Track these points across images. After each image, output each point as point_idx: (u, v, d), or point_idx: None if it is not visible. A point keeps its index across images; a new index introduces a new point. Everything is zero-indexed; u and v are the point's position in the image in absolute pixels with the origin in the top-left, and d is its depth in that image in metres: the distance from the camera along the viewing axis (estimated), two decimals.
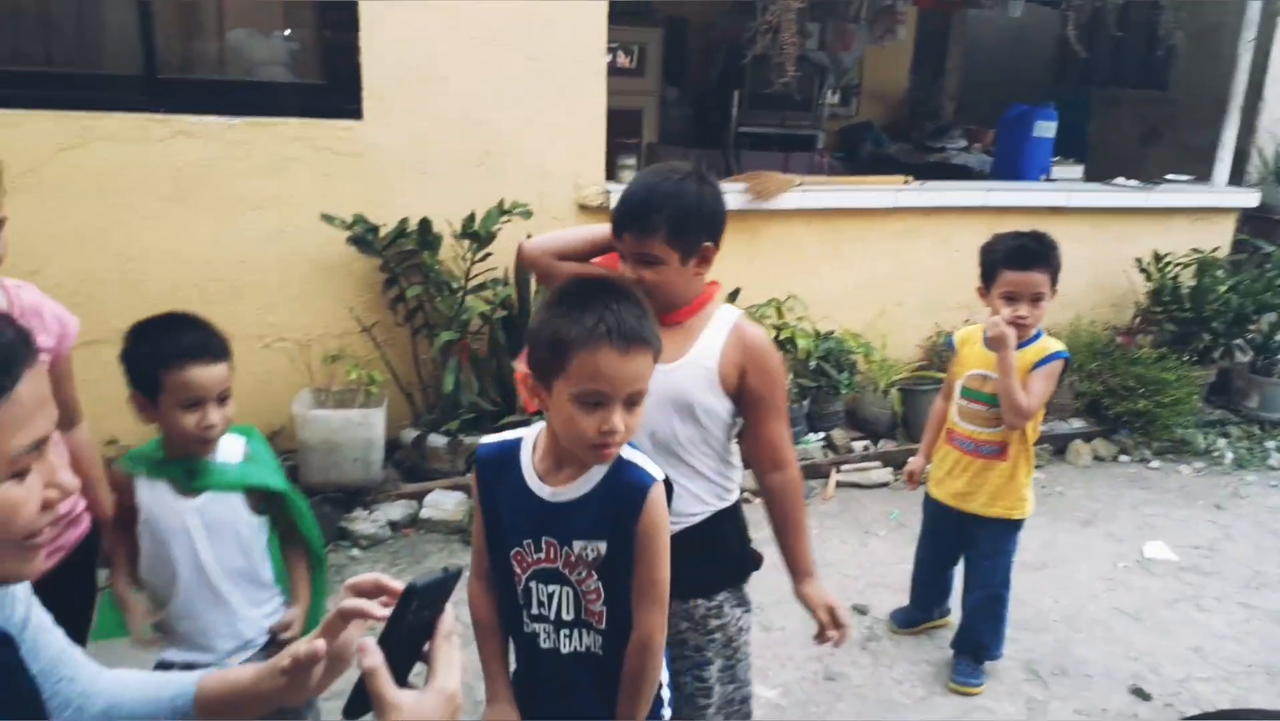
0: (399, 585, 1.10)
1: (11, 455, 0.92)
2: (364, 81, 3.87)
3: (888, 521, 4.21)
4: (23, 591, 1.17)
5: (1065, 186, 5.73)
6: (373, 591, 1.13)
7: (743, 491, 2.20)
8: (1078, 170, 6.47)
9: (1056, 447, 5.04)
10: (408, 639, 1.10)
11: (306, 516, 2.08)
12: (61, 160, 3.52)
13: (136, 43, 3.66)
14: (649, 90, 7.38)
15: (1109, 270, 5.62)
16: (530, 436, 1.66)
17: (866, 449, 4.71)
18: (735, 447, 2.10)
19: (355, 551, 3.64)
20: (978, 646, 3.07)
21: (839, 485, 4.50)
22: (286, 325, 3.94)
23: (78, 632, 2.15)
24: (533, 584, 1.64)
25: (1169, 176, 5.97)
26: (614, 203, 4.36)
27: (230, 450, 1.98)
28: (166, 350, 1.83)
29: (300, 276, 3.94)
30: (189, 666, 1.88)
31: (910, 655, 3.22)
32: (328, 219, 3.80)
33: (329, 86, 3.96)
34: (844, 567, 3.79)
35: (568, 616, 1.65)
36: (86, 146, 3.55)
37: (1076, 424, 5.19)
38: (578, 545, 1.58)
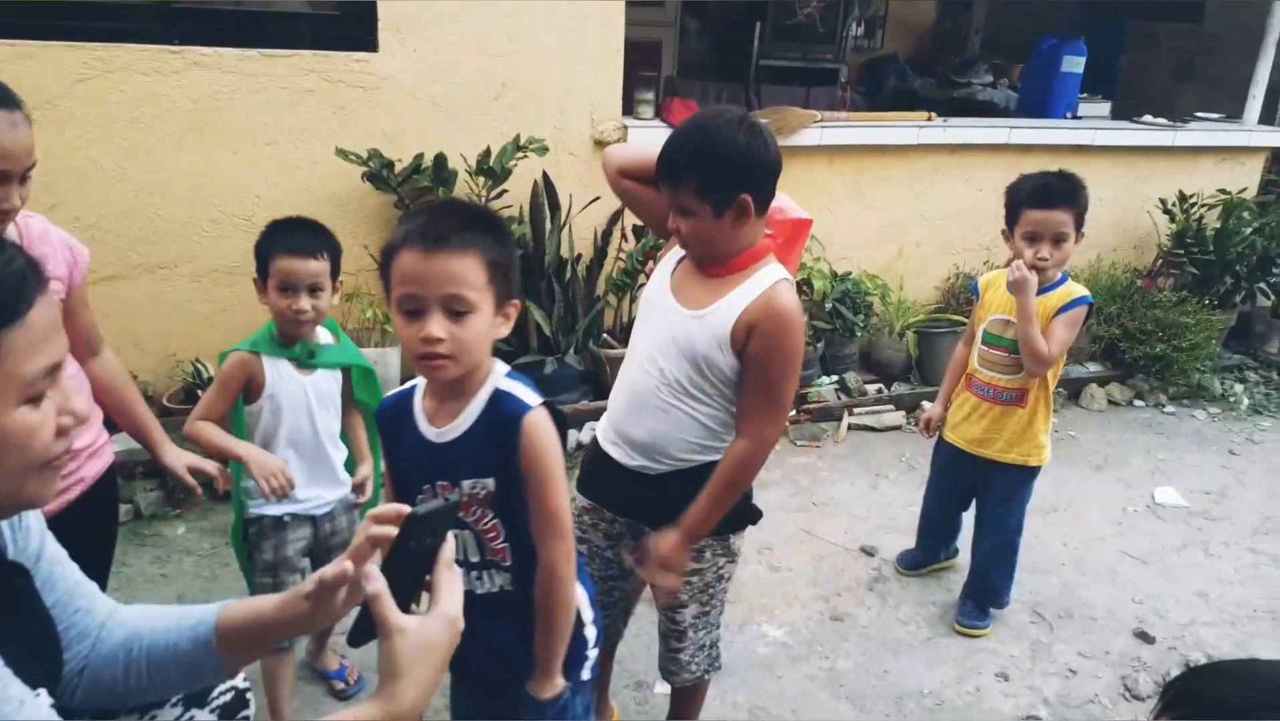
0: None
1: (27, 379, 0.94)
2: (379, 13, 3.81)
3: (899, 464, 4.24)
4: (36, 524, 1.20)
5: (1091, 124, 5.62)
6: (395, 520, 1.16)
7: None
8: (1105, 107, 6.33)
9: (1071, 391, 5.03)
10: (411, 567, 1.13)
11: (378, 386, 2.45)
12: (78, 91, 3.50)
13: None
14: (669, 20, 7.24)
15: (1132, 211, 5.54)
16: (422, 383, 1.64)
17: (880, 392, 4.72)
18: None
19: None
20: (988, 591, 3.10)
21: (851, 428, 4.52)
22: None
23: (100, 564, 2.22)
24: None
25: (1198, 114, 5.84)
26: (631, 138, 4.34)
27: (324, 338, 2.36)
28: (274, 242, 2.19)
29: (315, 211, 3.88)
30: (303, 514, 2.32)
31: (916, 596, 3.27)
32: (342, 154, 3.78)
33: (344, 18, 3.90)
34: (854, 509, 3.82)
35: (474, 559, 1.64)
36: (103, 78, 3.52)
37: (1093, 368, 5.17)
38: (466, 484, 1.57)
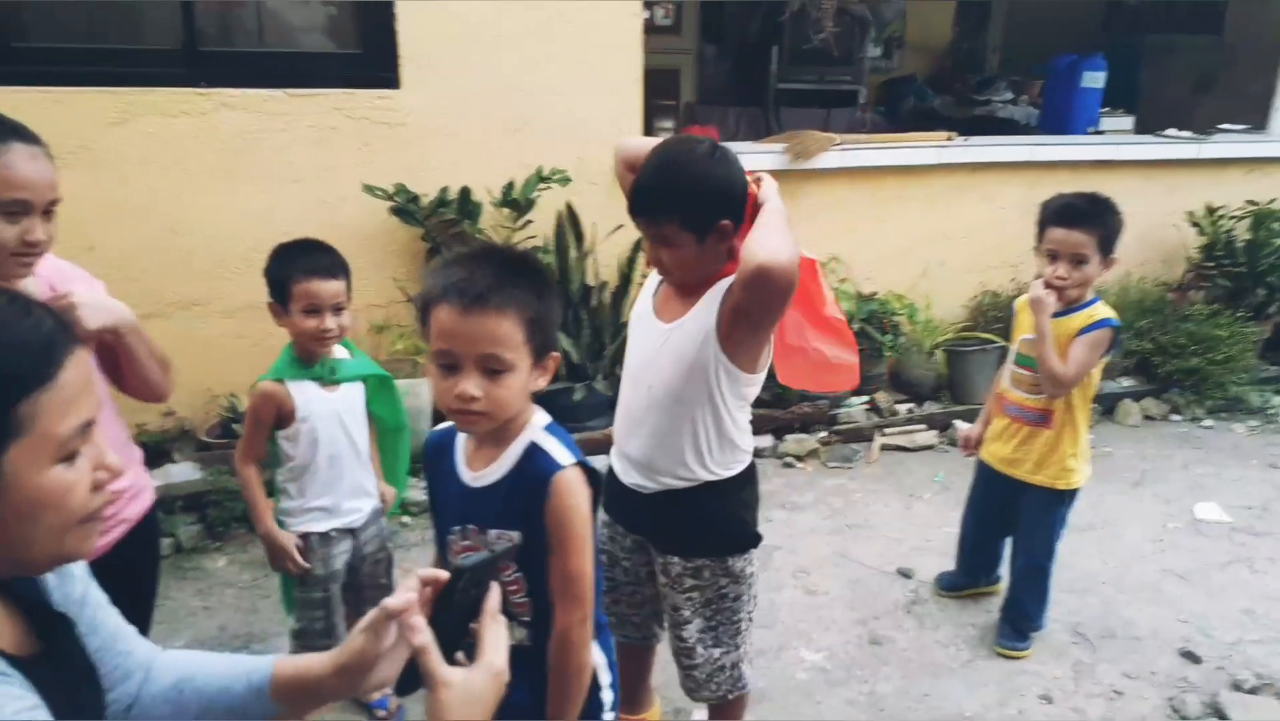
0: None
1: (60, 439, 0.94)
2: (400, 49, 3.87)
3: (933, 484, 4.20)
4: (80, 570, 1.21)
5: (1114, 139, 5.60)
6: (439, 584, 1.16)
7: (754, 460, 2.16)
8: (1127, 121, 6.31)
9: (1105, 407, 4.97)
10: (456, 617, 1.12)
11: (396, 395, 2.56)
12: (110, 135, 3.57)
13: (177, 15, 3.69)
14: (687, 48, 7.31)
15: (1159, 225, 5.49)
16: None
17: (911, 411, 4.69)
18: (743, 423, 2.06)
19: (406, 518, 3.70)
20: (1021, 616, 3.06)
21: (883, 448, 4.48)
22: None
23: (144, 602, 2.24)
24: None
25: (1222, 126, 5.80)
26: None
27: (341, 354, 2.43)
28: (294, 266, 2.24)
29: (343, 247, 3.85)
30: (345, 527, 2.43)
31: (955, 618, 3.23)
32: (369, 189, 3.82)
33: (366, 55, 3.96)
34: (888, 530, 3.79)
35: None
36: (134, 121, 3.59)
37: (1126, 383, 5.11)
38: (492, 534, 1.55)
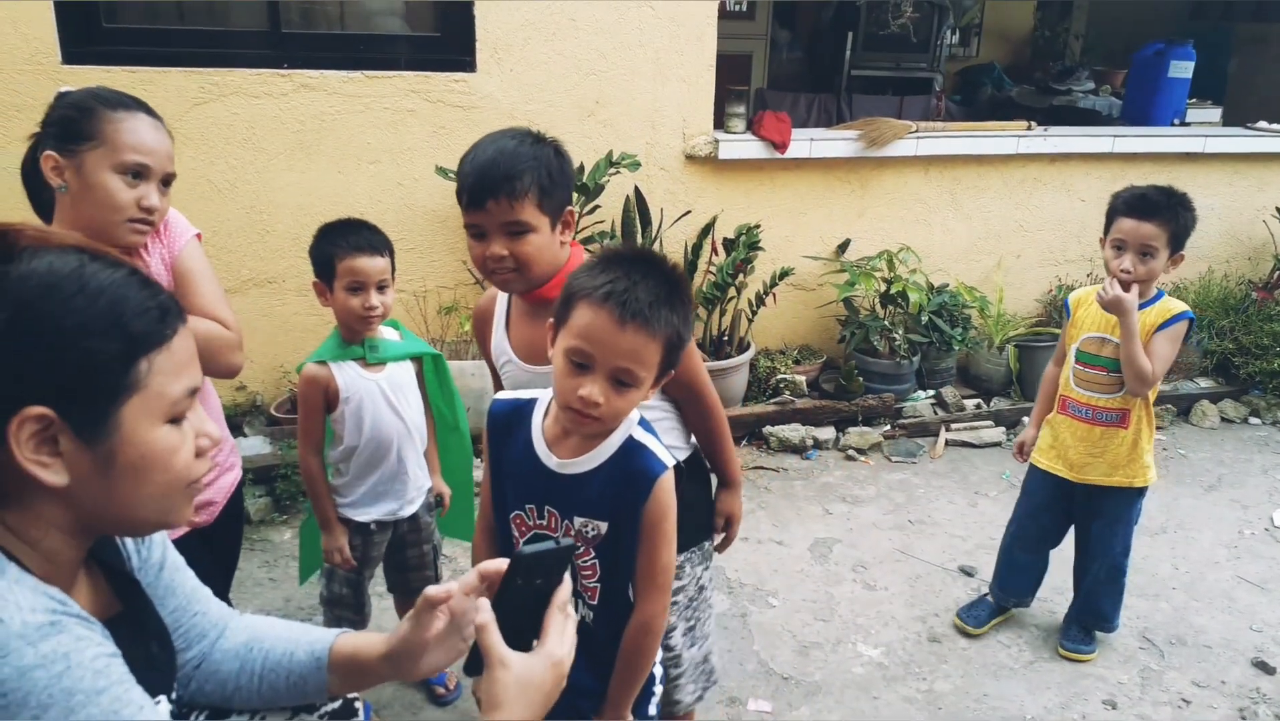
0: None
1: (171, 398, 1.01)
2: (477, 33, 3.90)
3: (999, 481, 4.13)
4: (159, 536, 1.27)
5: (1201, 131, 5.40)
6: (497, 576, 1.18)
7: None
8: (1215, 113, 6.10)
9: (1181, 408, 4.84)
10: (523, 606, 1.13)
11: (449, 375, 2.55)
12: (194, 115, 3.67)
13: None
14: (759, 34, 7.23)
15: (1246, 221, 5.31)
16: (544, 399, 1.60)
17: (979, 407, 4.60)
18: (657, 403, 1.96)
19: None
20: (1095, 615, 2.99)
21: (949, 444, 4.42)
22: (403, 276, 4.01)
23: (227, 570, 2.36)
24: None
25: None
26: (722, 153, 4.34)
27: (389, 335, 2.44)
28: (339, 244, 2.25)
29: (416, 228, 4.04)
30: (389, 519, 2.45)
31: (1018, 618, 3.18)
32: (442, 172, 3.87)
33: (443, 39, 4.01)
34: (952, 528, 3.74)
35: None
36: (217, 101, 3.69)
37: (1204, 384, 4.96)
38: (579, 521, 1.56)
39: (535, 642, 1.16)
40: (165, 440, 1.02)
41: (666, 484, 1.53)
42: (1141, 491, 2.87)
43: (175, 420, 1.03)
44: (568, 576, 1.14)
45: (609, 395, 1.42)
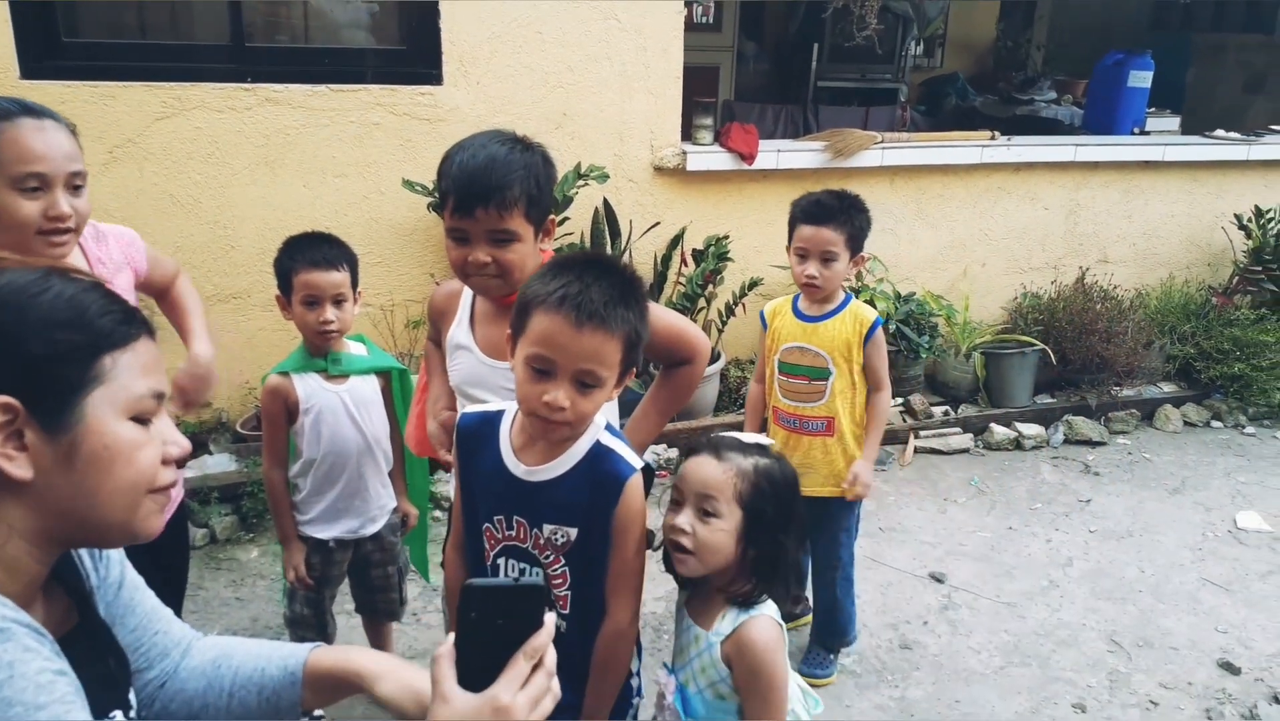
0: None
1: (135, 394, 1.02)
2: (444, 46, 3.90)
3: (968, 488, 4.16)
4: (117, 554, 1.27)
5: (1160, 140, 5.50)
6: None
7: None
8: (1174, 121, 6.19)
9: (1144, 413, 4.90)
10: (482, 644, 1.03)
11: (411, 387, 2.48)
12: (156, 129, 3.63)
13: (225, 12, 3.74)
14: (726, 45, 7.27)
15: (1205, 227, 5.41)
16: (511, 410, 1.61)
17: (946, 414, 4.64)
18: None
19: (438, 513, 3.73)
20: (835, 635, 2.93)
21: (917, 451, 4.45)
22: (370, 290, 4.03)
23: (175, 591, 2.30)
24: (501, 560, 1.62)
25: (1273, 127, 5.68)
26: (690, 164, 4.35)
27: (355, 350, 2.43)
28: (296, 258, 2.25)
29: (383, 241, 4.01)
30: (349, 538, 2.44)
31: (989, 624, 3.20)
32: (409, 185, 3.85)
33: (409, 52, 3.99)
34: (921, 535, 3.76)
35: None
36: (180, 116, 3.65)
37: (1167, 388, 5.03)
38: (548, 528, 1.56)
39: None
40: (129, 434, 1.02)
41: (635, 486, 1.54)
42: (857, 501, 2.79)
43: (140, 420, 1.04)
44: (550, 623, 1.02)
45: (574, 398, 1.43)
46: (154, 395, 1.05)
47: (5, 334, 0.96)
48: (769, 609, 1.67)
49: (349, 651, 1.30)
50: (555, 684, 1.03)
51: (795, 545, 1.70)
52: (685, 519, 1.63)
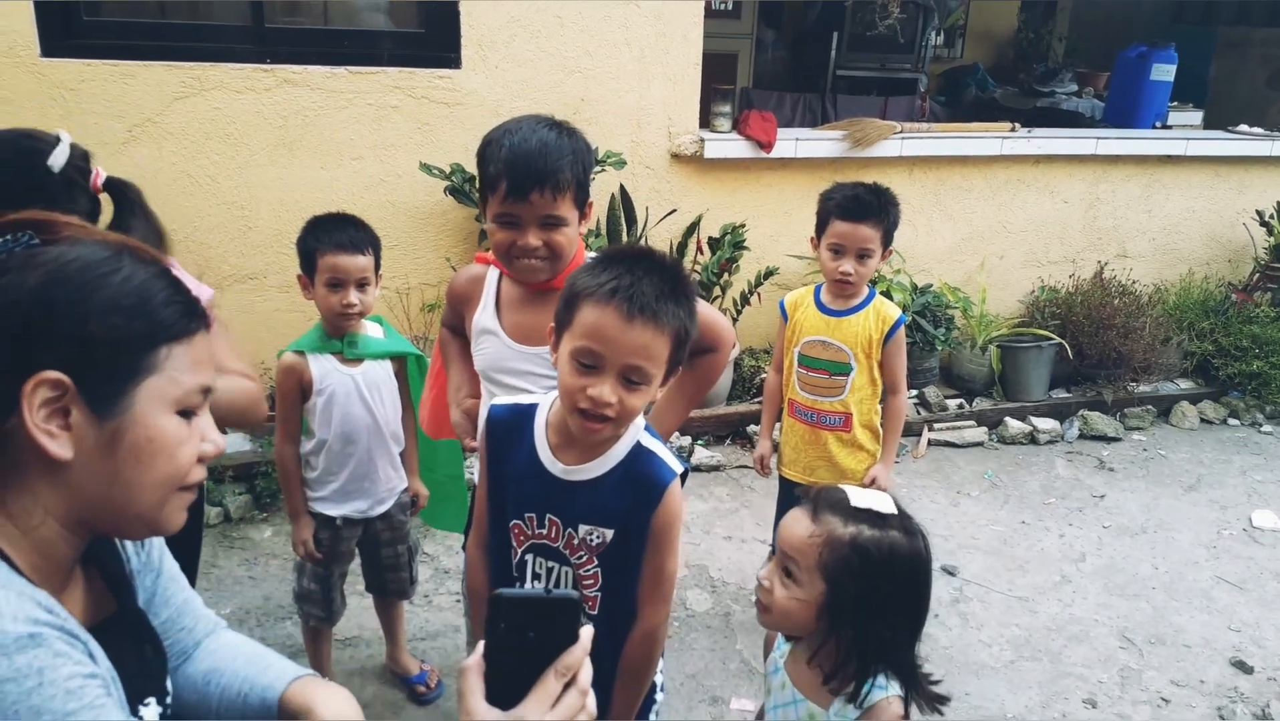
0: None
1: (185, 388, 1.02)
2: (463, 30, 3.88)
3: (981, 481, 4.15)
4: (159, 542, 1.25)
5: (1182, 134, 5.45)
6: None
7: None
8: (1196, 116, 6.14)
9: (1161, 409, 4.87)
10: (512, 657, 0.98)
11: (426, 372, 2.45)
12: (176, 109, 3.64)
13: None
14: (745, 33, 7.23)
15: (1227, 223, 5.36)
16: (546, 404, 1.57)
17: (961, 407, 4.62)
18: None
19: None
20: None
21: (931, 443, 4.44)
22: (386, 273, 3.97)
23: (189, 566, 2.31)
24: (529, 556, 1.60)
25: None
26: (707, 152, 4.33)
27: (373, 332, 2.42)
28: (322, 239, 2.26)
29: (399, 225, 4.01)
30: (358, 517, 2.45)
31: (1000, 617, 3.19)
32: (426, 168, 3.85)
33: (428, 35, 3.98)
34: (934, 527, 3.75)
35: None
36: (199, 96, 3.65)
37: (1183, 385, 5.00)
38: (583, 529, 1.53)
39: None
40: (175, 429, 1.02)
41: (676, 491, 1.51)
42: None
43: (186, 414, 1.03)
44: (586, 638, 0.96)
45: (620, 394, 1.39)
46: (202, 390, 1.05)
47: (69, 311, 0.95)
48: (881, 698, 1.49)
49: (316, 692, 1.25)
50: (591, 702, 0.97)
51: (897, 636, 1.48)
52: (767, 573, 1.51)
